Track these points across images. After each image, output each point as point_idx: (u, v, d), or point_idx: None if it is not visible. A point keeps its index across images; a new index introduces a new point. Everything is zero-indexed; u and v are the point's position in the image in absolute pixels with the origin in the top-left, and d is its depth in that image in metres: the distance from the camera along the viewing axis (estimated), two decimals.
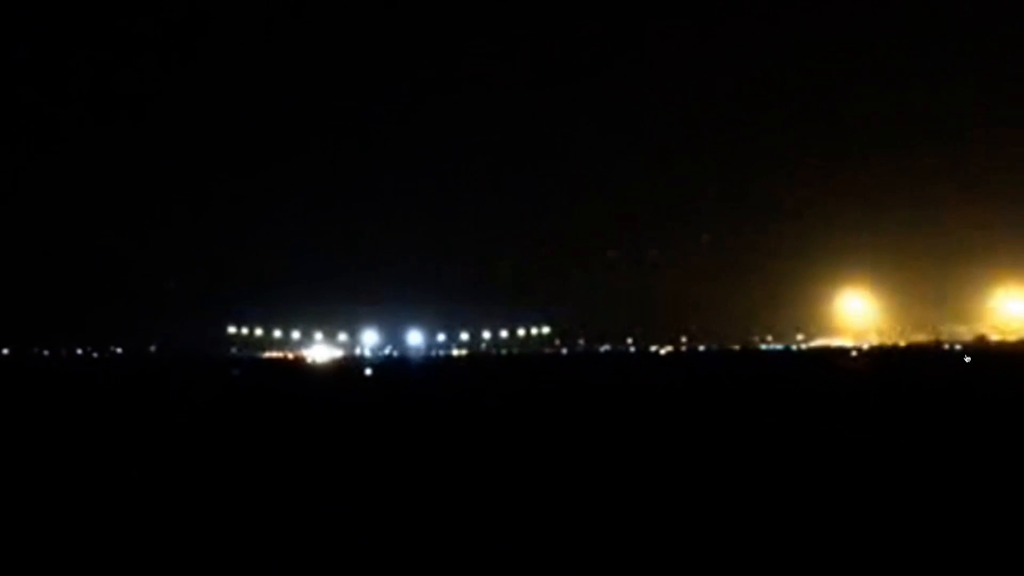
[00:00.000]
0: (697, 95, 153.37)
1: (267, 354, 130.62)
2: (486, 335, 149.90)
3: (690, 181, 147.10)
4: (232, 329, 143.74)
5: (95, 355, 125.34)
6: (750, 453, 14.02)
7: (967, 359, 57.87)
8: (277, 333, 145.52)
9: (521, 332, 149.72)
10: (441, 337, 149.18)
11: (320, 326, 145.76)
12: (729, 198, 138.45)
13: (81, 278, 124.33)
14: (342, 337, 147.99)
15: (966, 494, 10.45)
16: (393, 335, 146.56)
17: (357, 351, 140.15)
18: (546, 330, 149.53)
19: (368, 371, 62.13)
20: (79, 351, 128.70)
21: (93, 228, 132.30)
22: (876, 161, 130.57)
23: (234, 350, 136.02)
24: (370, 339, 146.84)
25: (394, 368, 72.05)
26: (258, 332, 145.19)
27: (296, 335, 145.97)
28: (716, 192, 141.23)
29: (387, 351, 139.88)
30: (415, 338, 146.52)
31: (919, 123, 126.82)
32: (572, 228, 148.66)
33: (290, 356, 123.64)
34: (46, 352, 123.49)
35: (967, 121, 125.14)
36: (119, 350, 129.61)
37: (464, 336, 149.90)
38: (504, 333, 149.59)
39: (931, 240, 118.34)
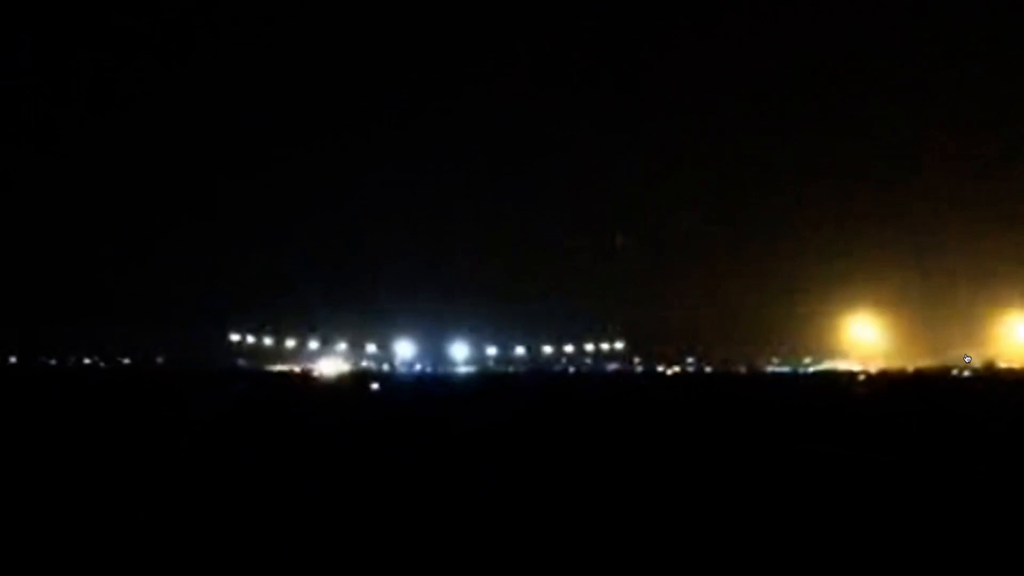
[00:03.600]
0: (702, 108, 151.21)
1: (276, 367, 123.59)
2: (547, 349, 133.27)
3: (694, 201, 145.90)
4: (235, 337, 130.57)
5: (102, 365, 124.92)
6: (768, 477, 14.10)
7: (966, 373, 59.91)
8: (290, 343, 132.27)
9: (590, 347, 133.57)
10: (492, 350, 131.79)
11: (344, 335, 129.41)
12: (734, 220, 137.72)
13: (80, 278, 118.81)
14: (371, 348, 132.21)
15: (969, 517, 10.64)
16: (434, 347, 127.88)
17: (385, 366, 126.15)
18: (619, 345, 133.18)
19: (375, 386, 61.70)
20: (87, 360, 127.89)
21: (92, 228, 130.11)
22: (886, 183, 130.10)
23: (241, 362, 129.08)
24: (404, 351, 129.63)
25: (400, 384, 71.72)
26: (267, 341, 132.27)
27: (314, 345, 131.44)
28: (721, 214, 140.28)
29: (419, 366, 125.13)
30: (460, 351, 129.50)
31: (929, 145, 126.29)
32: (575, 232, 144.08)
33: (297, 370, 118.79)
34: (53, 362, 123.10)
35: (979, 144, 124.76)
36: (126, 360, 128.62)
37: (520, 350, 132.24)
38: (569, 347, 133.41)
39: (940, 264, 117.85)
